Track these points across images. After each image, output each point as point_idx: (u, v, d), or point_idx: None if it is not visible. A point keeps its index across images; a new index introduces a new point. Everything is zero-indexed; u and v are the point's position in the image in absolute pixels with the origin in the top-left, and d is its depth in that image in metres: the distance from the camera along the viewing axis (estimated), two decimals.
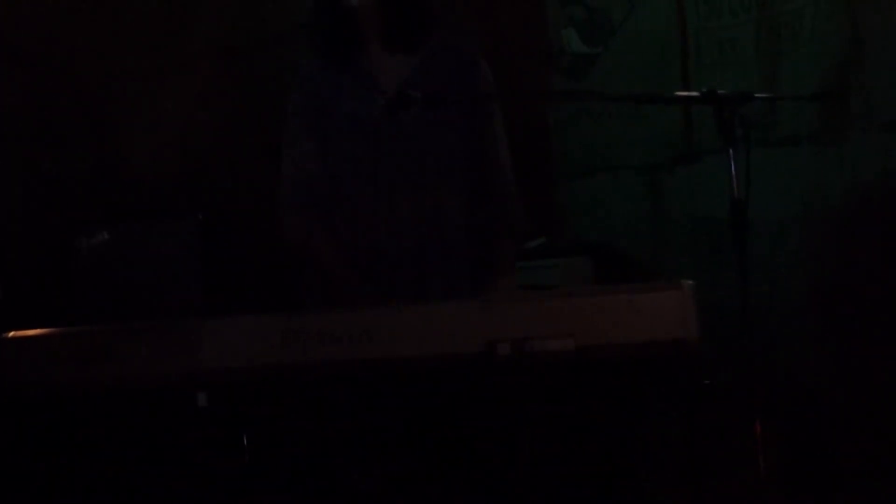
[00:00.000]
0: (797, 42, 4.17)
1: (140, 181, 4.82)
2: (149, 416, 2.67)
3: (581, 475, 2.69)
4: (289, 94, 3.36)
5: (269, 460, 2.71)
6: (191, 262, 4.35)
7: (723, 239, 3.05)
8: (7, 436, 2.72)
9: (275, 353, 2.56)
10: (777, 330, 4.08)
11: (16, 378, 2.63)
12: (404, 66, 3.28)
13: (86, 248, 4.34)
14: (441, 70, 3.29)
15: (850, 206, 4.00)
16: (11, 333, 2.67)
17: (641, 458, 2.73)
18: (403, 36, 3.28)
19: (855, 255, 3.98)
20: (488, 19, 5.01)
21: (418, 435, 2.67)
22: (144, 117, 4.83)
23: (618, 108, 4.77)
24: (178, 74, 4.89)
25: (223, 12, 4.94)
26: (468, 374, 2.57)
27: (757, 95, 2.99)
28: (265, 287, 4.53)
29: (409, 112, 3.12)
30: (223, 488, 2.70)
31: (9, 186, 4.69)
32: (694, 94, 2.97)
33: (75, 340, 2.64)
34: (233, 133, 4.85)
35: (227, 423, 2.67)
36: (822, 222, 4.08)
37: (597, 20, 4.88)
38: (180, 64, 4.89)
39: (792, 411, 3.93)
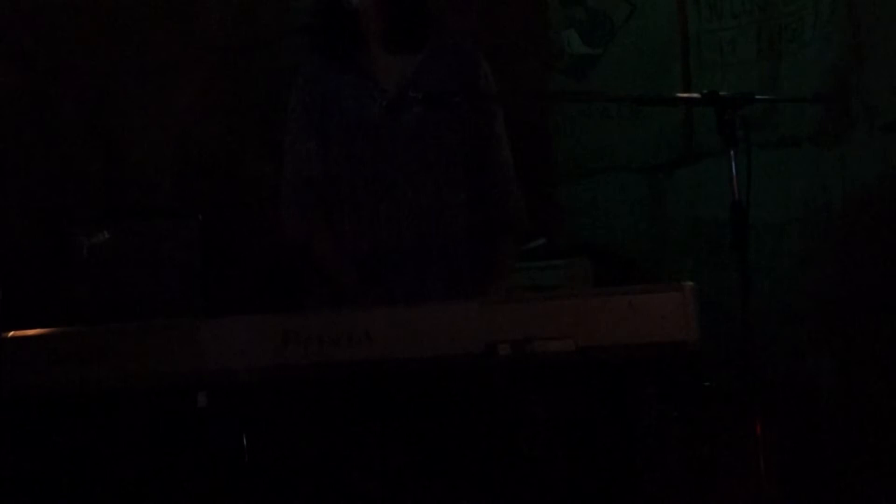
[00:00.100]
0: (798, 44, 4.17)
1: (140, 181, 4.82)
2: (148, 416, 2.67)
3: (582, 476, 2.68)
4: (289, 94, 3.36)
5: (269, 460, 2.71)
6: (190, 262, 4.34)
7: (723, 240, 3.05)
8: (7, 436, 2.72)
9: (275, 354, 2.56)
10: (777, 331, 4.08)
11: (16, 378, 2.63)
12: (405, 65, 3.28)
13: (85, 248, 4.33)
14: (442, 70, 3.29)
15: (851, 208, 4.00)
16: (11, 333, 2.67)
17: (642, 459, 2.73)
18: (404, 36, 3.28)
19: (856, 257, 3.98)
20: (489, 20, 5.01)
21: (418, 436, 2.67)
22: (144, 117, 4.83)
23: (618, 110, 4.76)
24: (178, 74, 4.88)
25: (223, 12, 4.94)
26: (468, 374, 2.57)
27: (758, 97, 2.98)
28: (265, 287, 4.53)
29: (410, 112, 3.12)
30: (223, 488, 2.69)
31: (8, 186, 4.68)
32: (695, 95, 2.97)
33: (75, 340, 2.64)
34: (233, 133, 4.84)
35: (227, 423, 2.67)
36: (822, 224, 4.08)
37: (597, 21, 4.88)
38: (180, 64, 4.89)
39: (792, 413, 3.93)
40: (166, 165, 4.81)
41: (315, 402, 2.67)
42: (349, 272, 3.21)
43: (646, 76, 4.67)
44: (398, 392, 2.63)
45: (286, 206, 3.30)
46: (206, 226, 4.39)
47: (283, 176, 3.32)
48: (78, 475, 2.71)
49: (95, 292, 4.32)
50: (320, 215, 3.27)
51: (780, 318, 4.11)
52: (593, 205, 4.86)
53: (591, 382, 2.64)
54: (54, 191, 4.73)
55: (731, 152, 2.83)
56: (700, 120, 4.46)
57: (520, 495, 2.67)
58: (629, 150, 4.75)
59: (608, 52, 4.85)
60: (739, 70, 4.36)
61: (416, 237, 3.22)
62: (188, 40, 4.91)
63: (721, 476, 3.48)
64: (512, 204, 3.35)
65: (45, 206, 4.70)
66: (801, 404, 4.03)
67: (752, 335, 2.80)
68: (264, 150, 4.49)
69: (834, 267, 4.05)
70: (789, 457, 3.64)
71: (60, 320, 2.89)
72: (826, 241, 4.08)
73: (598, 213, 4.85)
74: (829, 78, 4.06)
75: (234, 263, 4.64)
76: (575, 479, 2.68)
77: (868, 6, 3.96)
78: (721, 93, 2.87)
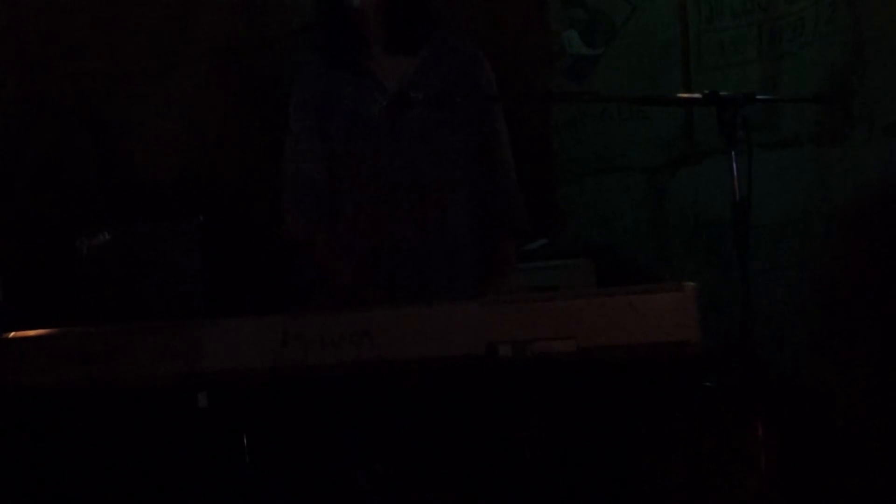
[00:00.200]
0: (799, 43, 4.17)
1: (141, 182, 4.82)
2: (149, 416, 2.67)
3: (582, 476, 2.68)
4: (289, 94, 3.36)
5: (270, 461, 2.71)
6: (192, 263, 4.35)
7: (724, 240, 3.06)
8: (8, 436, 2.72)
9: (275, 355, 2.56)
10: (778, 332, 4.08)
11: (17, 378, 2.63)
12: (406, 65, 3.28)
13: (87, 249, 4.34)
14: (443, 69, 3.29)
15: (852, 208, 3.99)
16: (13, 334, 2.67)
17: (642, 459, 2.73)
18: (405, 36, 3.28)
19: (857, 257, 3.98)
20: (489, 21, 5.01)
21: (419, 436, 2.67)
22: (145, 118, 4.83)
23: (619, 110, 4.76)
24: (178, 75, 4.88)
25: (223, 12, 4.94)
26: (469, 375, 2.57)
27: (759, 97, 2.99)
28: (266, 288, 4.53)
29: (411, 112, 3.12)
30: (223, 489, 2.69)
31: (10, 187, 4.68)
32: (696, 95, 2.98)
33: (76, 341, 2.64)
34: (234, 134, 4.84)
35: (228, 423, 2.67)
36: (823, 224, 4.07)
37: (598, 22, 4.88)
38: (181, 64, 4.89)
39: (793, 413, 3.92)
40: (167, 166, 4.80)
41: (316, 403, 2.67)
42: (350, 272, 3.21)
43: (646, 76, 4.66)
44: (399, 392, 2.63)
45: (287, 206, 3.30)
46: (206, 227, 4.39)
47: (283, 176, 3.32)
48: (79, 475, 2.71)
49: (96, 293, 4.32)
50: (321, 215, 3.27)
51: (780, 318, 4.11)
52: (594, 205, 4.86)
53: (591, 383, 2.64)
54: (55, 192, 4.73)
55: (732, 152, 2.83)
56: (701, 120, 4.45)
57: (520, 495, 2.67)
58: (630, 151, 4.74)
59: (608, 53, 4.84)
60: (740, 70, 4.36)
61: (417, 237, 3.22)
62: (188, 40, 4.91)
63: (722, 476, 3.48)
64: (513, 204, 3.35)
65: (46, 207, 4.70)
66: (801, 404, 4.02)
67: (753, 335, 2.79)
68: (265, 151, 4.48)
69: (834, 267, 4.05)
70: (790, 457, 3.64)
71: (62, 321, 2.89)
72: (826, 241, 4.07)
73: (598, 214, 4.84)
74: (829, 78, 4.06)
75: (235, 264, 4.63)
76: (576, 479, 2.68)
77: (868, 6, 3.96)
78: (722, 93, 2.87)
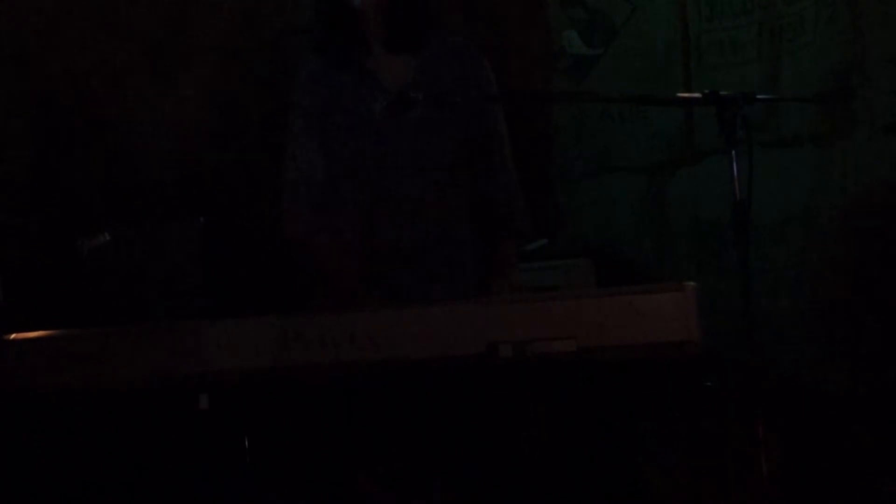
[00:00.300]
0: (799, 43, 4.17)
1: (141, 183, 4.82)
2: (150, 418, 2.67)
3: (583, 476, 2.68)
4: (289, 94, 3.36)
5: (271, 462, 2.71)
6: (192, 265, 4.35)
7: (725, 240, 3.06)
8: (9, 437, 2.72)
9: (276, 355, 2.56)
10: (779, 331, 4.08)
11: (18, 380, 2.63)
12: (407, 65, 3.28)
13: (87, 251, 4.34)
14: (443, 69, 3.29)
15: (853, 208, 4.00)
16: (13, 335, 2.67)
17: (643, 459, 2.73)
18: (406, 36, 3.28)
19: (857, 257, 3.98)
20: (489, 21, 5.01)
21: (420, 436, 2.67)
22: (145, 119, 4.83)
23: (619, 110, 4.77)
24: (178, 75, 4.89)
25: (223, 13, 4.94)
26: (470, 375, 2.57)
27: (759, 97, 2.98)
28: (267, 289, 4.53)
29: (412, 112, 3.11)
30: (224, 490, 2.69)
31: (10, 188, 4.68)
32: (696, 95, 2.97)
33: (77, 342, 2.64)
34: (234, 135, 4.84)
35: (229, 424, 2.67)
36: (824, 224, 4.08)
37: (598, 22, 4.88)
38: (181, 65, 4.89)
39: (793, 413, 3.93)
40: (167, 167, 4.81)
41: (316, 403, 2.67)
42: (350, 273, 3.21)
43: (646, 76, 4.67)
44: (400, 393, 2.63)
45: (287, 206, 3.30)
46: (207, 227, 4.39)
47: (283, 176, 3.32)
48: (79, 477, 2.71)
49: (96, 294, 4.32)
50: (321, 216, 3.27)
51: (780, 318, 4.11)
52: (594, 205, 4.87)
53: (592, 383, 2.64)
54: (55, 193, 4.73)
55: (733, 152, 2.82)
56: (701, 120, 4.46)
57: (521, 496, 2.67)
58: (630, 151, 4.75)
59: (608, 53, 4.85)
60: (740, 70, 4.36)
61: (418, 237, 3.22)
62: (188, 40, 4.91)
63: (722, 476, 3.48)
64: (513, 204, 3.35)
65: (47, 208, 4.70)
66: (802, 404, 4.03)
67: (753, 335, 2.79)
68: (265, 151, 4.49)
69: (834, 267, 4.05)
70: (791, 457, 3.65)
71: (62, 322, 2.89)
72: (826, 241, 4.07)
73: (599, 214, 4.85)
74: (829, 78, 4.06)
75: (236, 265, 4.64)
76: (576, 479, 2.68)
77: (868, 6, 3.96)
78: (722, 93, 2.87)
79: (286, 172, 3.31)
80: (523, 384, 2.62)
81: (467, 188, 3.29)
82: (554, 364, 2.52)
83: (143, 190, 4.80)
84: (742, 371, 2.77)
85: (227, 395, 2.60)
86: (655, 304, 2.51)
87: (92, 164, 4.80)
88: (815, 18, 4.11)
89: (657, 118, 4.62)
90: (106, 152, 4.83)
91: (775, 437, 2.79)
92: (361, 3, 3.22)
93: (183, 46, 4.90)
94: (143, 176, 4.82)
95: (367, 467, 2.69)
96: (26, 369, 2.63)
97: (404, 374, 2.56)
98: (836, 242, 4.04)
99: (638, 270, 4.57)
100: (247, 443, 2.69)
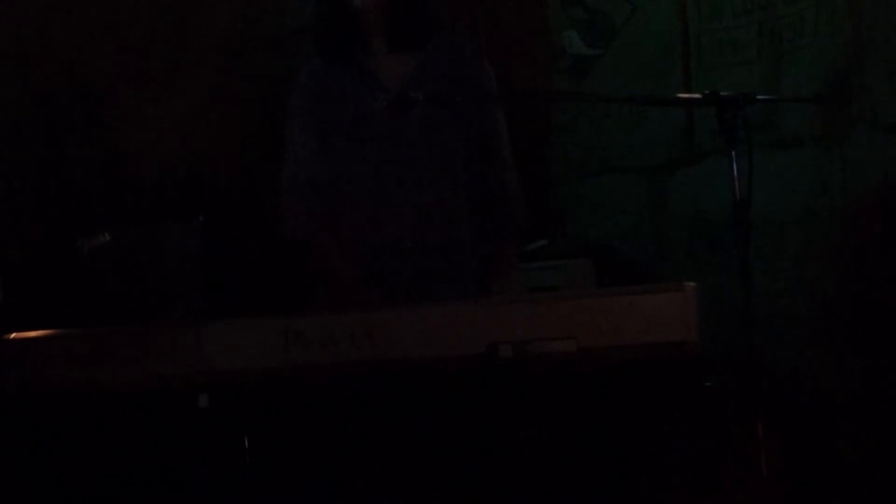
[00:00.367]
0: (799, 43, 4.17)
1: (141, 183, 4.82)
2: (150, 417, 2.67)
3: (583, 477, 2.68)
4: (290, 94, 3.37)
5: (271, 462, 2.71)
6: (192, 264, 4.35)
7: (724, 240, 3.05)
8: (9, 437, 2.72)
9: (276, 355, 2.56)
10: (779, 331, 4.08)
11: (17, 379, 2.63)
12: (407, 64, 3.28)
13: (87, 250, 4.33)
14: (444, 69, 3.29)
15: (853, 208, 4.00)
16: (13, 335, 2.67)
17: (643, 459, 2.73)
18: (406, 35, 3.28)
19: (857, 257, 3.98)
20: (489, 21, 5.01)
21: (420, 436, 2.67)
22: (146, 118, 4.83)
23: (619, 110, 4.76)
24: (178, 75, 4.88)
25: (223, 12, 4.94)
26: (470, 375, 2.57)
27: (759, 97, 2.98)
28: (267, 289, 4.53)
29: (412, 111, 3.12)
30: (224, 490, 2.70)
31: (10, 188, 4.68)
32: (696, 95, 2.97)
33: (77, 342, 2.64)
34: (234, 134, 4.84)
35: (229, 424, 2.67)
36: (824, 224, 4.08)
37: (598, 22, 4.88)
38: (181, 65, 4.89)
39: (793, 412, 3.93)
40: (167, 167, 4.80)
41: (317, 403, 2.67)
42: (351, 272, 3.21)
43: (646, 76, 4.66)
44: (400, 393, 2.63)
45: (288, 206, 3.30)
46: (207, 227, 4.39)
47: (283, 176, 3.33)
48: (80, 476, 2.71)
49: (97, 294, 4.32)
50: (322, 215, 3.27)
51: (780, 318, 4.11)
52: (594, 205, 4.86)
53: (592, 383, 2.64)
54: (55, 193, 4.73)
55: (733, 152, 2.83)
56: (701, 120, 4.46)
57: (521, 496, 2.67)
58: (630, 151, 4.75)
59: (608, 53, 4.84)
60: (740, 70, 4.36)
61: (418, 237, 3.22)
62: (188, 40, 4.91)
63: (722, 476, 3.48)
64: (513, 204, 3.35)
65: (46, 208, 4.70)
66: (801, 404, 4.03)
67: (753, 335, 2.79)
68: (265, 151, 4.49)
69: (834, 267, 4.05)
70: (790, 456, 3.65)
71: (62, 322, 2.89)
72: (826, 241, 4.07)
73: (598, 214, 4.84)
74: (830, 78, 4.06)
75: (236, 265, 4.64)
76: (576, 479, 2.68)
77: (868, 6, 3.96)
78: (722, 93, 2.87)
79: (286, 172, 3.32)
80: (523, 384, 2.62)
81: (467, 187, 3.29)
82: (554, 364, 2.52)
83: (143, 190, 4.80)
84: (742, 371, 2.77)
85: (227, 395, 2.60)
86: (655, 304, 2.51)
87: (92, 164, 4.80)
88: (815, 18, 4.11)
89: (657, 118, 4.62)
90: (106, 152, 4.82)
91: (775, 437, 2.79)
92: (362, 3, 3.22)
93: (183, 46, 4.90)
94: (143, 176, 4.82)
95: (367, 467, 2.69)
96: (26, 369, 2.63)
97: (404, 374, 2.56)
98: (836, 242, 4.04)
99: (638, 270, 4.57)
100: (247, 443, 2.69)
